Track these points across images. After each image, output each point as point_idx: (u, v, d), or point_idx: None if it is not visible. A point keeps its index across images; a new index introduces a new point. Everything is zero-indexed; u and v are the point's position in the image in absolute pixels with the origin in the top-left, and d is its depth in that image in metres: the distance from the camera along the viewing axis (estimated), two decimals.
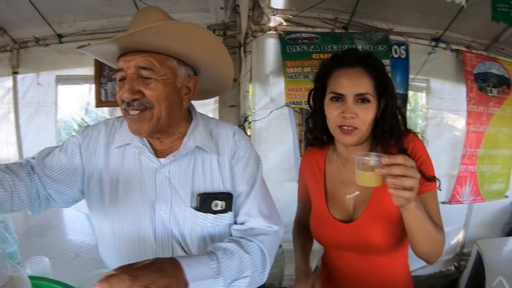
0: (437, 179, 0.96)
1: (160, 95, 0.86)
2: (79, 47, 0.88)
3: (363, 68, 0.98)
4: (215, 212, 0.90)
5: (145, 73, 0.85)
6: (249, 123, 2.66)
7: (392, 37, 2.80)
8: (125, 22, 2.78)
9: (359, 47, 2.71)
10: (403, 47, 2.85)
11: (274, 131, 2.69)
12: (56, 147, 0.99)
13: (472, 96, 3.01)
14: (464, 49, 3.02)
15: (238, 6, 2.45)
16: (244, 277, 0.81)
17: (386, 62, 2.77)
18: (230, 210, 0.93)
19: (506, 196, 3.16)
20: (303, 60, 2.64)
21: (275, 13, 2.58)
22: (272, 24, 2.63)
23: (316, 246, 1.23)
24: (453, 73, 3.03)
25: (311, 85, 1.11)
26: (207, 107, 2.76)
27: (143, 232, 0.89)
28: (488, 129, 3.08)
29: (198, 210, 0.89)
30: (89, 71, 3.00)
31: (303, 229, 1.24)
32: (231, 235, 0.94)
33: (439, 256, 0.95)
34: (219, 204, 0.91)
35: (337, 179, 1.10)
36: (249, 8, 2.42)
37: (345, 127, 0.98)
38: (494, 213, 3.23)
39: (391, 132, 1.00)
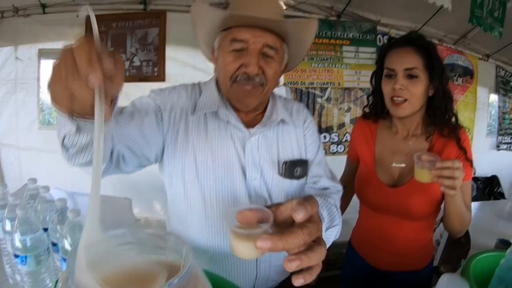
0: (474, 168, 1.13)
1: (275, 74, 0.91)
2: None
3: (412, 47, 1.07)
4: (297, 178, 0.97)
5: (270, 52, 0.88)
6: None
7: (378, 28, 3.08)
8: None
9: (350, 35, 2.95)
10: (386, 37, 3.15)
11: None
12: (124, 107, 0.89)
13: None
14: (437, 42, 3.40)
15: None
16: (334, 225, 0.83)
17: (373, 49, 3.06)
18: (306, 175, 1.00)
19: None
20: None
21: None
22: None
23: None
24: None
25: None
26: None
27: (238, 198, 0.91)
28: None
29: (284, 177, 0.95)
30: None
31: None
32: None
33: (463, 232, 1.15)
34: (299, 170, 0.96)
35: (387, 147, 1.20)
36: None
37: (395, 98, 1.08)
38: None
39: (443, 112, 1.10)
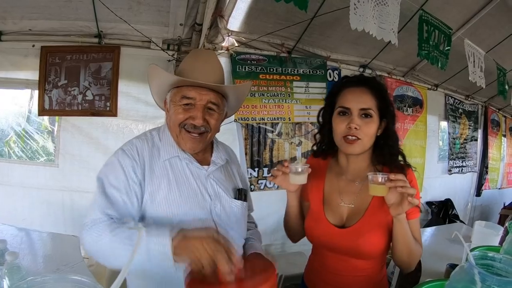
0: (420, 208, 1.18)
1: (217, 123, 1.15)
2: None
3: (367, 87, 1.12)
4: (244, 200, 1.25)
5: (213, 106, 1.11)
6: None
7: (328, 63, 3.22)
8: (78, 26, 2.67)
9: (301, 71, 3.07)
10: (336, 71, 3.30)
11: None
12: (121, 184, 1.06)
13: None
14: (386, 75, 3.59)
15: (197, 24, 2.58)
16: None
17: (323, 85, 3.19)
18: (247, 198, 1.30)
19: None
20: (251, 79, 2.88)
21: (229, 34, 2.76)
22: (225, 44, 2.82)
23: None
24: None
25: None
26: (158, 120, 2.79)
27: (206, 221, 1.12)
28: (404, 141, 3.68)
29: (238, 199, 1.22)
30: (32, 75, 2.74)
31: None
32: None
33: (413, 266, 1.15)
34: (244, 195, 1.25)
35: (335, 187, 1.21)
36: (207, 27, 2.56)
37: (349, 137, 1.11)
38: None
39: (391, 151, 1.15)
